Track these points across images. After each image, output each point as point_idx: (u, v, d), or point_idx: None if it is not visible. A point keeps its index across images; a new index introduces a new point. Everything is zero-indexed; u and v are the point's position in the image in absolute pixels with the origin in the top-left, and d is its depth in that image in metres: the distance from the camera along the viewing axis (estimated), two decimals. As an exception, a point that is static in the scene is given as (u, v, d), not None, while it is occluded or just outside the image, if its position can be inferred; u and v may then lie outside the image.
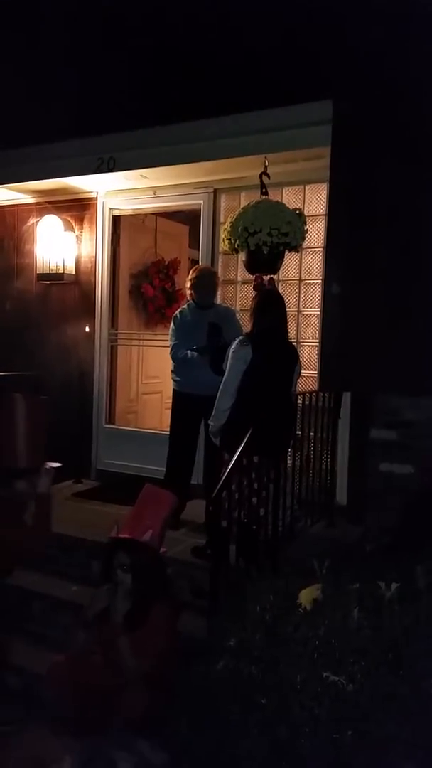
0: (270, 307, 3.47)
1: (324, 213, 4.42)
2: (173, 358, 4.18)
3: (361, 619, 2.08)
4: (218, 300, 4.63)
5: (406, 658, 1.95)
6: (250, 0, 4.13)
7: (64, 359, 5.59)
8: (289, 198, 4.62)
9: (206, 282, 4.19)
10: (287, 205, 3.71)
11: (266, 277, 3.63)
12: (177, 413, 4.30)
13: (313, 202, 4.63)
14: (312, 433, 3.87)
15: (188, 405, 4.12)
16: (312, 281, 4.70)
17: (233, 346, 3.37)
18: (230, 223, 3.52)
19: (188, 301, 4.35)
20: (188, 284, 4.26)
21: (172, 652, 2.66)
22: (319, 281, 4.56)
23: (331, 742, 1.82)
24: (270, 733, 1.92)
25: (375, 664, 1.93)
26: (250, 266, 3.61)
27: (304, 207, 4.55)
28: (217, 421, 3.39)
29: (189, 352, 4.04)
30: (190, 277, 4.28)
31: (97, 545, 3.31)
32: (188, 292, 4.27)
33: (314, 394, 3.89)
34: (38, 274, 5.66)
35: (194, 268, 4.48)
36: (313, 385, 4.39)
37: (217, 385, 3.46)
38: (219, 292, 4.63)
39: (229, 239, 3.53)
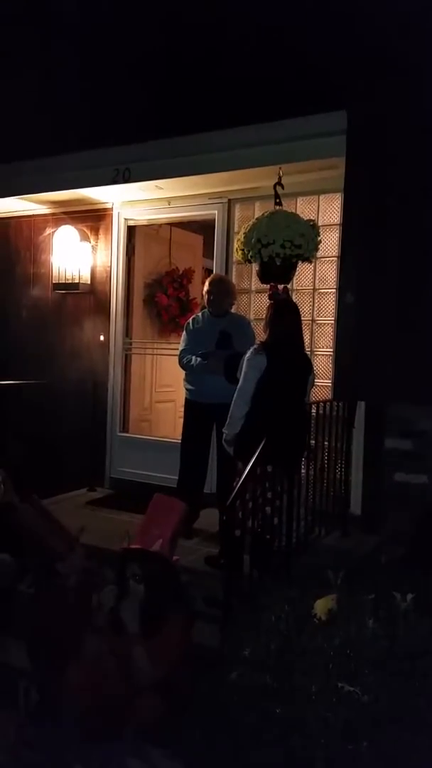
0: (285, 316, 3.48)
1: (338, 223, 4.43)
2: (179, 363, 4.21)
3: (376, 629, 2.06)
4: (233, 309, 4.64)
5: (421, 669, 1.93)
6: (265, 11, 4.17)
7: (78, 368, 5.64)
8: (304, 208, 4.64)
9: (221, 290, 4.20)
10: (301, 216, 3.73)
11: (281, 287, 3.65)
12: (189, 422, 4.31)
13: (327, 211, 4.64)
14: (326, 443, 3.86)
15: (200, 413, 4.13)
16: (326, 290, 4.71)
17: (248, 354, 3.38)
18: (244, 233, 3.54)
19: (203, 308, 4.37)
20: (204, 291, 4.28)
21: (186, 661, 2.65)
22: (334, 290, 4.57)
23: (346, 753, 1.81)
24: (284, 743, 1.91)
25: (390, 675, 1.92)
26: (263, 276, 3.63)
27: (318, 217, 4.57)
28: (232, 429, 3.40)
29: (193, 357, 4.05)
30: (206, 284, 4.31)
31: (111, 553, 3.32)
32: (205, 298, 4.29)
33: (328, 403, 3.88)
34: (54, 283, 5.72)
35: (211, 276, 4.50)
36: (327, 394, 4.39)
37: (229, 393, 3.47)
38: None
39: (243, 250, 3.55)
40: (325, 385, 4.53)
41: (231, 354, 3.81)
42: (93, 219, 5.62)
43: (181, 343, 4.27)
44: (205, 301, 4.25)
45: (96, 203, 5.53)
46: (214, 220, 5.06)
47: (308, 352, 4.30)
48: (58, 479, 5.14)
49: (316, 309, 4.77)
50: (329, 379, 4.52)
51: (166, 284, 5.89)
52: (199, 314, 4.38)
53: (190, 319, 4.36)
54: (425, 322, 3.81)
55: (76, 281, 5.57)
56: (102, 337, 5.55)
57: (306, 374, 3.54)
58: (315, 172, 4.36)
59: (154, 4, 4.69)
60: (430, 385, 3.77)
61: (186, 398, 4.32)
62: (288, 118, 4.06)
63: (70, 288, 5.63)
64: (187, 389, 4.28)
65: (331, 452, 3.92)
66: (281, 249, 3.39)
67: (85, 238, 5.60)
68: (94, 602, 2.80)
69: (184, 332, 4.28)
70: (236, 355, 3.62)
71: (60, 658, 2.70)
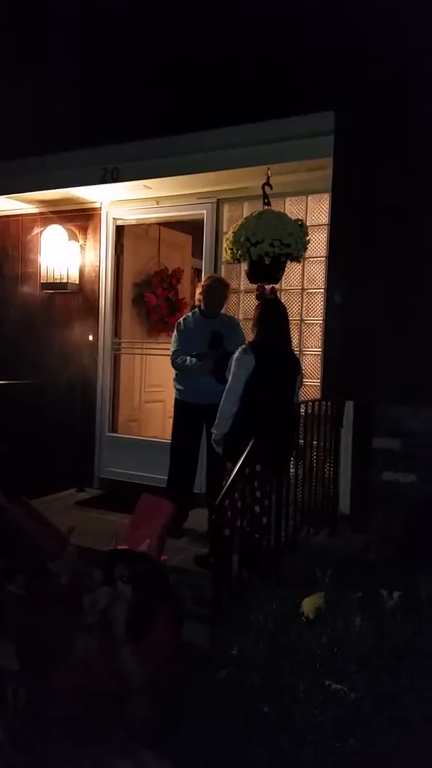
0: (272, 316, 3.50)
1: (326, 223, 4.45)
2: (172, 363, 4.21)
3: (363, 627, 2.08)
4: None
5: (408, 667, 1.95)
6: (253, 12, 4.18)
7: (67, 367, 5.62)
8: (292, 208, 4.65)
9: (216, 292, 4.20)
10: (289, 216, 3.74)
11: (268, 287, 3.66)
12: (179, 422, 4.31)
13: (315, 212, 4.66)
14: (315, 442, 3.87)
15: (190, 414, 4.14)
16: (314, 290, 4.73)
17: (236, 354, 3.39)
18: (233, 233, 3.55)
19: (194, 308, 4.36)
20: (198, 290, 4.28)
21: (175, 661, 2.65)
22: (322, 290, 4.59)
23: (333, 750, 1.82)
24: (272, 741, 1.92)
25: (377, 673, 1.93)
26: (252, 276, 3.64)
27: (306, 217, 4.58)
28: (221, 429, 3.41)
29: (188, 358, 4.06)
30: (201, 283, 4.30)
31: (100, 554, 3.32)
32: (197, 298, 4.28)
33: (317, 402, 3.90)
34: (42, 283, 5.70)
35: (208, 276, 4.50)
36: (315, 393, 4.41)
37: (218, 394, 3.47)
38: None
39: (232, 249, 3.56)
40: (314, 385, 4.54)
41: (221, 354, 3.82)
42: (81, 218, 5.61)
43: (172, 343, 4.27)
44: (200, 301, 4.24)
45: (84, 202, 5.52)
46: (203, 220, 5.06)
47: (297, 352, 4.31)
48: (47, 479, 5.12)
49: (304, 309, 4.79)
50: (318, 378, 4.54)
51: (155, 284, 5.89)
52: (190, 314, 4.37)
53: (181, 320, 4.35)
54: (413, 322, 3.83)
55: (65, 281, 5.55)
56: (91, 337, 5.54)
57: (294, 374, 3.55)
58: (303, 172, 4.38)
59: (142, 5, 4.69)
60: (418, 384, 3.79)
61: (176, 398, 4.32)
62: (276, 118, 4.07)
63: (58, 287, 5.61)
64: (177, 389, 4.28)
65: (319, 451, 3.93)
66: (270, 248, 3.40)
67: (73, 237, 5.58)
68: (84, 603, 2.79)
69: (176, 332, 4.27)
70: (225, 356, 3.62)
71: (49, 659, 2.69)
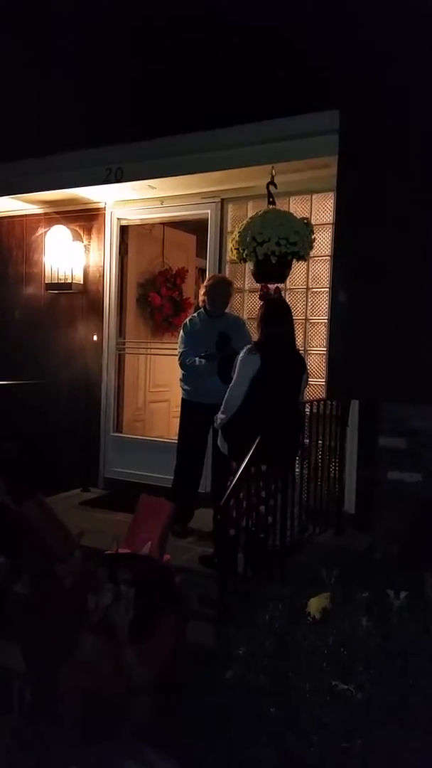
0: (277, 315, 3.49)
1: (331, 222, 4.44)
2: (181, 364, 4.20)
3: (369, 627, 2.07)
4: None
5: (414, 667, 1.94)
6: (258, 11, 4.17)
7: (72, 368, 5.62)
8: (296, 207, 4.64)
9: (220, 291, 4.20)
10: (294, 215, 3.73)
11: (272, 286, 3.65)
12: (185, 422, 4.31)
13: (320, 211, 4.65)
14: (320, 441, 3.87)
15: (196, 414, 4.13)
16: (319, 289, 4.72)
17: (241, 354, 3.39)
18: (238, 232, 3.54)
19: (199, 308, 4.36)
20: (202, 290, 4.27)
21: (180, 661, 2.65)
22: (327, 289, 4.58)
23: (340, 751, 1.81)
24: (278, 741, 1.91)
25: (384, 673, 1.92)
26: (258, 275, 3.63)
27: (311, 216, 4.57)
28: (228, 412, 3.37)
29: (197, 359, 4.05)
30: (205, 283, 4.29)
31: (103, 556, 3.32)
32: (201, 298, 4.28)
33: (322, 402, 3.89)
34: (47, 283, 5.70)
35: (211, 275, 4.48)
36: (320, 393, 4.40)
37: (225, 394, 3.47)
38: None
39: (238, 249, 3.55)
40: (319, 384, 4.53)
41: (225, 354, 3.81)
42: (85, 219, 5.61)
43: (179, 344, 4.26)
44: (205, 301, 4.22)
45: (88, 203, 5.52)
46: (207, 219, 5.05)
47: (302, 351, 4.30)
48: (52, 479, 5.13)
49: (309, 308, 4.78)
50: (323, 377, 4.53)
51: (159, 284, 5.88)
52: (195, 315, 4.37)
53: (187, 320, 4.35)
54: (418, 320, 3.82)
55: (69, 281, 5.56)
56: (95, 337, 5.54)
57: (300, 373, 3.54)
58: (308, 171, 4.36)
59: (146, 3, 4.68)
60: (423, 383, 3.78)
61: (183, 398, 4.32)
62: (281, 117, 4.06)
63: (62, 288, 5.61)
64: (183, 389, 4.28)
65: (325, 451, 3.92)
66: (276, 246, 3.39)
67: (77, 237, 5.58)
68: (90, 604, 2.79)
69: (182, 333, 4.26)
70: (231, 356, 3.62)
71: (55, 660, 2.69)
